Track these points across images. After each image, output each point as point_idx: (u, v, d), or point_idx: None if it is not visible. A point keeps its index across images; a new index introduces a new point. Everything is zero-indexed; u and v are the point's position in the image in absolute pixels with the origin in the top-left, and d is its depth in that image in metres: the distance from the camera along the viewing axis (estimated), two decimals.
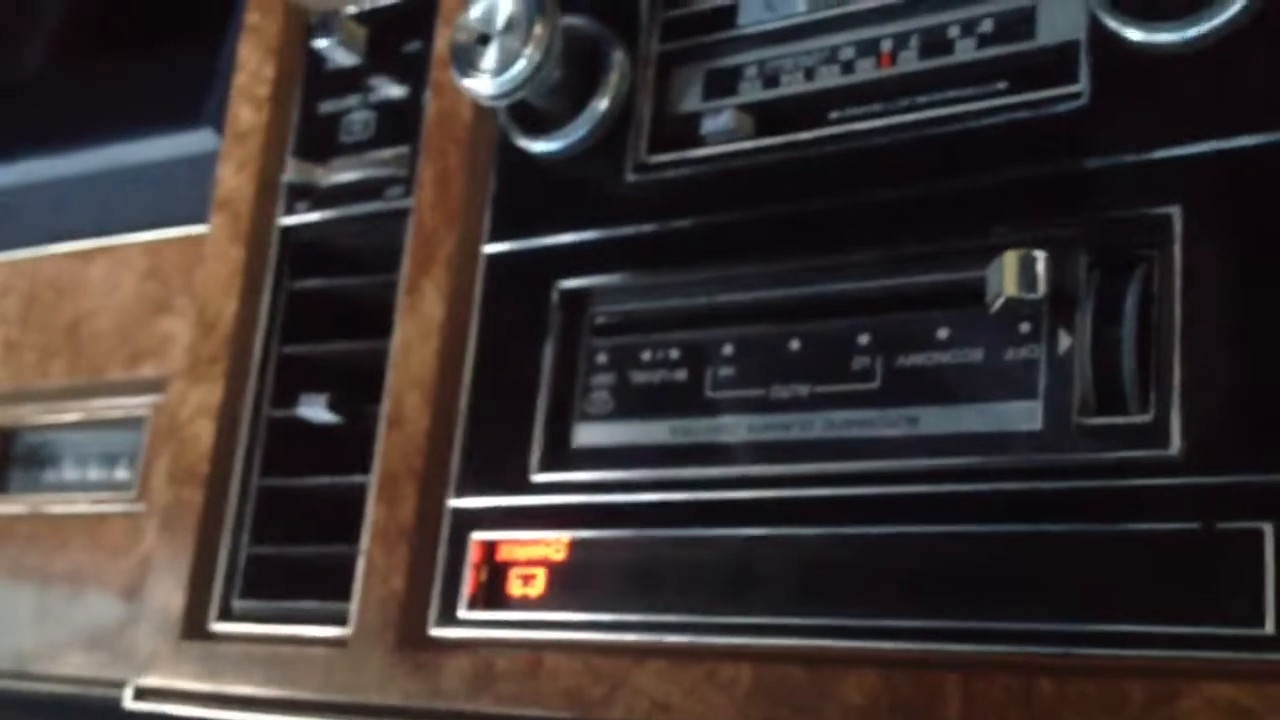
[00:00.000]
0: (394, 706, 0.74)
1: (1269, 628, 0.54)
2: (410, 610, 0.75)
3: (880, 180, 0.68)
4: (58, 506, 1.02)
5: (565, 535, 0.72)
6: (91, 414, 1.04)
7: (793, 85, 0.73)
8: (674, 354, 0.73)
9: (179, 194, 0.99)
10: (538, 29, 0.73)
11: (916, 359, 0.66)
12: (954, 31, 0.68)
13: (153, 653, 0.84)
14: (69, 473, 1.04)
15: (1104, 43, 0.63)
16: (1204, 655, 0.55)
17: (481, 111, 0.81)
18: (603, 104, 0.76)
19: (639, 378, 0.73)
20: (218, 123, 0.95)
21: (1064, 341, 0.62)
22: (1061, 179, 0.63)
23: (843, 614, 0.63)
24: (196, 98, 0.98)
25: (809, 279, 0.70)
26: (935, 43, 0.69)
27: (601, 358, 0.75)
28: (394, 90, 0.87)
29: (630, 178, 0.75)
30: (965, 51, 0.68)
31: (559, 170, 0.78)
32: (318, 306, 0.87)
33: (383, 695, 0.74)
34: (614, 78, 0.76)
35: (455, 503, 0.76)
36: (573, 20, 0.77)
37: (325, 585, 0.79)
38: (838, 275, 0.69)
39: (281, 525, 0.84)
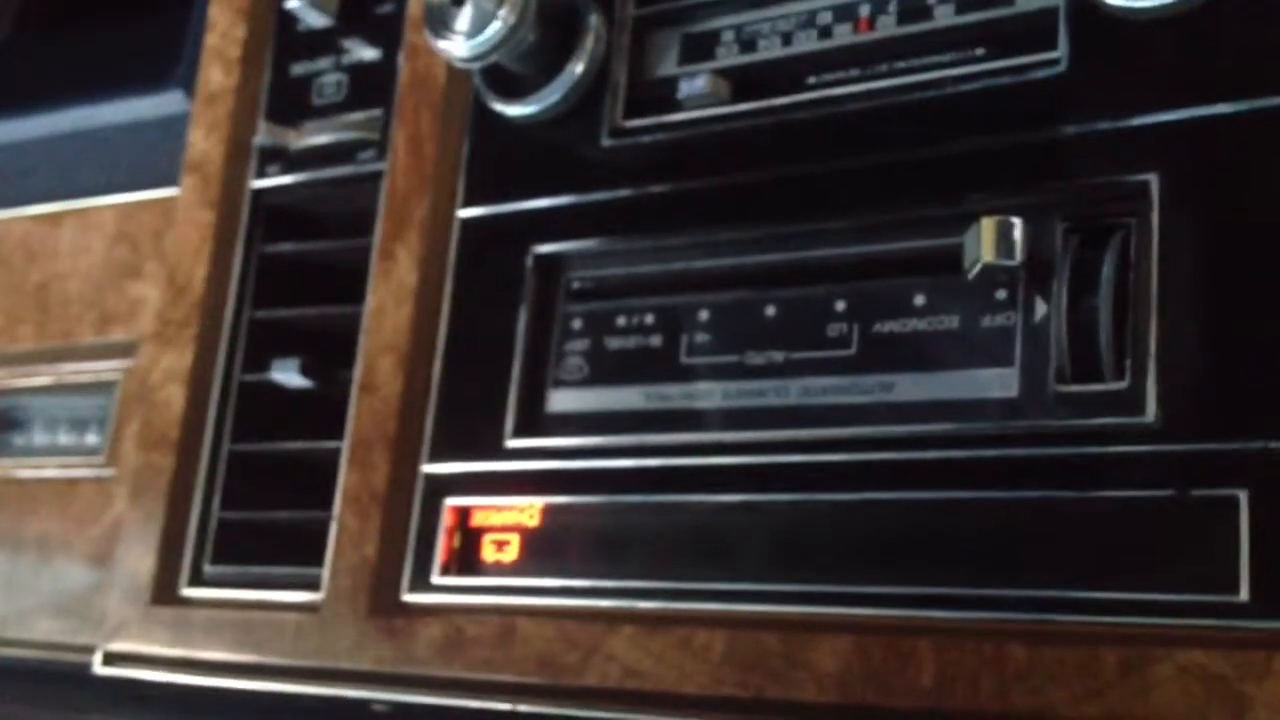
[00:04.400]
0: (366, 672, 0.74)
1: (1243, 595, 0.54)
2: (383, 576, 0.75)
3: (857, 146, 0.67)
4: (27, 471, 1.01)
5: (539, 501, 0.72)
6: (61, 378, 1.03)
7: (770, 50, 0.72)
8: (649, 320, 0.72)
9: (149, 157, 0.98)
10: None
11: (892, 326, 0.66)
12: None
13: (123, 618, 0.83)
14: (38, 437, 1.03)
15: (1083, 9, 0.62)
16: (1178, 622, 0.55)
17: (455, 74, 0.81)
18: (578, 67, 0.76)
19: (614, 343, 0.73)
20: (188, 85, 0.94)
21: (1040, 309, 0.62)
22: (1039, 145, 0.63)
23: (817, 580, 0.63)
24: (166, 59, 0.97)
25: (785, 245, 0.69)
26: (913, 8, 0.68)
27: (576, 323, 0.75)
28: (367, 52, 0.86)
29: (606, 142, 0.75)
30: (944, 17, 0.67)
31: (534, 134, 0.78)
32: (289, 270, 0.87)
33: (354, 661, 0.74)
34: (589, 41, 0.76)
35: (429, 468, 0.76)
36: None
37: (297, 551, 0.79)
38: (814, 241, 0.69)
39: (253, 490, 0.84)
